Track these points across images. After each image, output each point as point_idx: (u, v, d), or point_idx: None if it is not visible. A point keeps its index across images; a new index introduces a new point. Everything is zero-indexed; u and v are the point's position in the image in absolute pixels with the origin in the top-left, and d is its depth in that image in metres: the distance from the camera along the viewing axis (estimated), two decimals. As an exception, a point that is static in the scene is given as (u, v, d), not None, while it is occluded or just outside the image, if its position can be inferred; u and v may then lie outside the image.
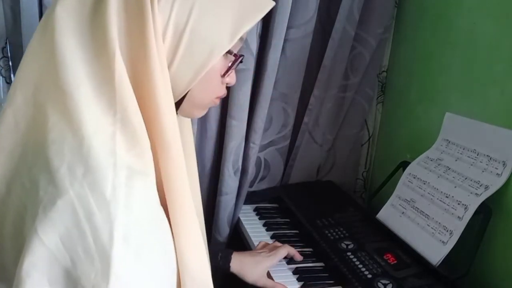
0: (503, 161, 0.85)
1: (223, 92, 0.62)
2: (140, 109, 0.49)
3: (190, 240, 0.53)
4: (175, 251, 0.52)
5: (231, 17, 0.52)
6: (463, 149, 0.94)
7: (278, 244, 0.95)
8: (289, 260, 0.95)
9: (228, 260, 0.87)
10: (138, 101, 0.48)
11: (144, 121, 0.49)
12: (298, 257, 0.94)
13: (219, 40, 0.52)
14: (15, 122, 0.50)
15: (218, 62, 0.55)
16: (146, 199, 0.48)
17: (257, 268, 0.87)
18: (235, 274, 0.87)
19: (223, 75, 0.59)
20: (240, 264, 0.87)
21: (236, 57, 0.58)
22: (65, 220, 0.44)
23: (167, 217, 0.51)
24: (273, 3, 0.57)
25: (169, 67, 0.51)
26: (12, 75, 1.14)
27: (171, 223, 0.51)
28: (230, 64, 0.58)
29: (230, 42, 0.53)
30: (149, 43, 0.47)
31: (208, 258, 0.57)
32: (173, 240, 0.51)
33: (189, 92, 0.56)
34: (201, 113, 0.63)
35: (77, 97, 0.46)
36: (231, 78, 0.61)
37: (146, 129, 0.49)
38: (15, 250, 0.49)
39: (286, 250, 0.92)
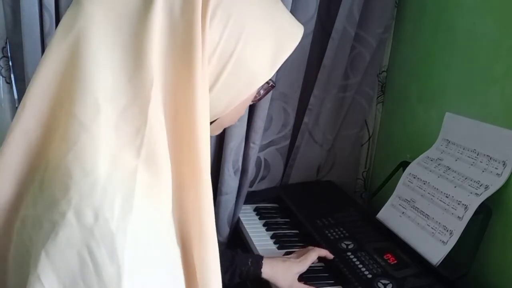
0: (503, 161, 0.85)
1: (243, 113, 0.64)
2: (175, 136, 0.44)
3: (215, 272, 0.48)
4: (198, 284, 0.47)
5: (271, 47, 0.51)
6: (463, 149, 0.94)
7: (311, 248, 0.93)
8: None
9: (259, 265, 0.86)
10: (173, 128, 0.44)
11: (177, 149, 0.45)
12: (330, 256, 0.92)
13: (260, 70, 0.51)
14: (27, 146, 0.45)
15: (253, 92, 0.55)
16: (157, 251, 0.43)
17: (288, 273, 0.86)
18: (267, 280, 0.86)
19: (254, 101, 0.60)
20: (271, 269, 0.86)
21: (270, 86, 0.59)
22: (70, 271, 0.40)
23: (187, 249, 0.47)
24: (303, 28, 0.55)
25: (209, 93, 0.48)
26: (12, 75, 1.14)
27: (196, 254, 0.46)
28: (263, 92, 0.59)
29: (270, 73, 0.52)
30: (196, 66, 0.43)
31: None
32: (196, 273, 0.47)
33: (219, 118, 0.55)
34: (219, 132, 0.63)
35: (94, 129, 0.41)
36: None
37: (178, 158, 0.45)
38: (18, 276, 0.46)
39: (316, 253, 0.91)
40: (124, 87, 0.42)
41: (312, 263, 0.91)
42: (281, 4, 0.55)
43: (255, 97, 0.59)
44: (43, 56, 0.45)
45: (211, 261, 0.47)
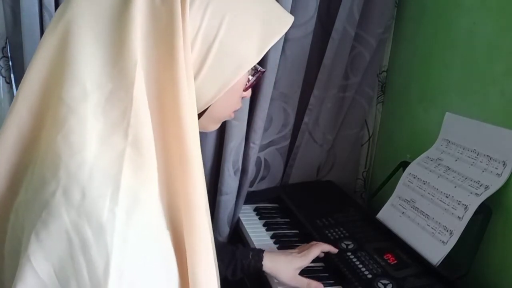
0: (503, 161, 0.85)
1: (239, 105, 0.61)
2: (160, 122, 0.45)
3: (203, 259, 0.48)
4: (188, 269, 0.47)
5: (258, 32, 0.51)
6: (463, 149, 0.94)
7: (314, 243, 0.93)
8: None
9: (260, 258, 0.86)
10: (158, 114, 0.45)
11: (164, 135, 0.46)
12: (334, 250, 0.92)
13: (247, 54, 0.51)
14: (19, 134, 0.47)
15: (242, 77, 0.54)
16: (146, 230, 0.44)
17: (290, 267, 0.86)
18: (268, 273, 0.87)
19: (245, 89, 0.59)
20: (272, 263, 0.86)
21: (259, 72, 0.58)
22: (59, 250, 0.41)
23: (178, 235, 0.47)
24: (293, 18, 0.56)
25: (194, 79, 0.48)
26: (12, 75, 1.14)
27: (186, 240, 0.46)
28: (253, 78, 0.58)
29: (257, 56, 0.52)
30: (177, 52, 0.44)
31: (218, 275, 0.53)
32: (186, 259, 0.47)
33: (210, 107, 0.54)
34: (216, 127, 0.62)
35: (82, 112, 0.43)
36: (247, 92, 0.61)
37: (165, 143, 0.46)
38: (13, 269, 0.46)
39: (319, 249, 0.91)
40: (110, 72, 0.44)
41: (316, 258, 0.91)
42: None
43: (245, 85, 0.58)
44: (36, 50, 0.47)
45: (201, 249, 0.47)
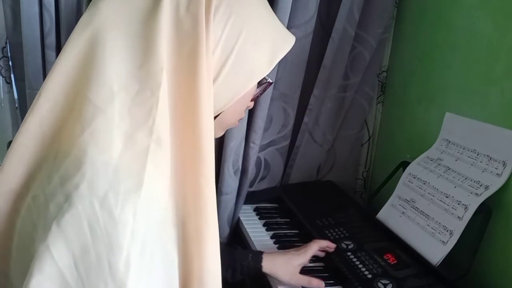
0: (503, 161, 0.85)
1: (244, 115, 0.66)
2: (180, 123, 0.48)
3: (214, 247, 0.51)
4: (195, 267, 0.50)
5: (269, 46, 0.56)
6: (463, 149, 0.94)
7: (313, 241, 0.93)
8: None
9: (259, 260, 0.86)
10: (178, 115, 0.48)
11: (182, 135, 0.48)
12: (332, 246, 0.93)
13: (259, 64, 0.55)
14: (40, 131, 0.49)
15: (252, 87, 0.58)
16: (157, 223, 0.46)
17: (289, 266, 0.87)
18: (268, 274, 0.87)
19: (253, 99, 0.63)
20: (272, 263, 0.87)
21: (267, 83, 0.63)
22: (80, 240, 0.42)
23: (186, 232, 0.50)
24: (294, 38, 0.61)
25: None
26: (12, 75, 1.14)
27: (197, 230, 0.49)
28: (261, 89, 0.63)
29: (268, 68, 0.56)
30: (200, 58, 0.48)
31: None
32: (193, 246, 0.50)
33: (221, 113, 0.58)
34: (221, 134, 0.65)
35: (108, 112, 0.45)
36: (252, 102, 0.65)
37: (183, 143, 0.48)
38: (20, 264, 0.47)
39: (317, 245, 0.91)
40: (137, 73, 0.47)
41: (316, 257, 0.91)
42: (273, 13, 0.60)
43: (256, 96, 0.63)
44: (61, 52, 0.49)
45: (210, 247, 0.49)
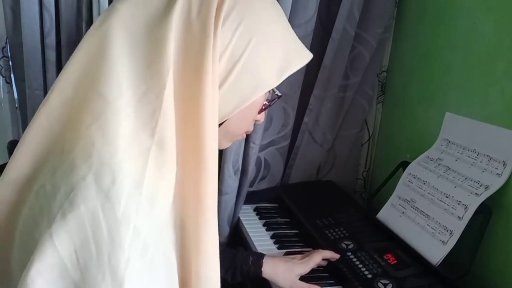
0: (503, 161, 0.85)
1: (251, 128, 0.64)
2: (183, 126, 0.49)
3: (213, 250, 0.52)
4: (191, 268, 0.51)
5: (280, 59, 0.54)
6: (463, 149, 0.94)
7: (316, 250, 0.92)
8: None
9: (259, 264, 0.86)
10: (182, 117, 0.48)
11: (185, 138, 0.49)
12: (335, 256, 0.91)
13: (267, 77, 0.54)
14: (49, 123, 0.50)
15: (259, 98, 0.57)
16: (158, 221, 0.47)
17: (290, 274, 0.86)
18: (267, 279, 0.86)
19: (260, 111, 0.61)
20: (272, 269, 0.86)
21: (276, 96, 0.61)
22: (84, 230, 0.42)
23: (186, 233, 0.51)
24: (311, 55, 0.59)
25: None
26: (12, 75, 1.14)
27: (196, 234, 0.51)
28: (269, 101, 0.61)
29: (276, 81, 0.55)
30: (206, 63, 0.48)
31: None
32: (192, 249, 0.51)
33: (226, 122, 0.57)
34: (227, 145, 0.65)
35: (117, 107, 0.46)
36: (261, 116, 0.63)
37: (185, 146, 0.49)
38: (22, 251, 0.48)
39: (320, 255, 0.90)
40: (144, 73, 0.48)
41: (317, 266, 0.90)
42: (290, 26, 0.59)
43: (263, 108, 0.61)
44: (76, 49, 0.50)
45: (209, 248, 0.51)
